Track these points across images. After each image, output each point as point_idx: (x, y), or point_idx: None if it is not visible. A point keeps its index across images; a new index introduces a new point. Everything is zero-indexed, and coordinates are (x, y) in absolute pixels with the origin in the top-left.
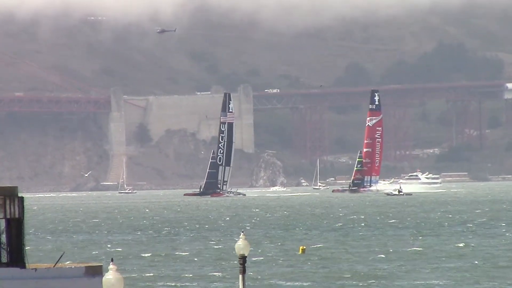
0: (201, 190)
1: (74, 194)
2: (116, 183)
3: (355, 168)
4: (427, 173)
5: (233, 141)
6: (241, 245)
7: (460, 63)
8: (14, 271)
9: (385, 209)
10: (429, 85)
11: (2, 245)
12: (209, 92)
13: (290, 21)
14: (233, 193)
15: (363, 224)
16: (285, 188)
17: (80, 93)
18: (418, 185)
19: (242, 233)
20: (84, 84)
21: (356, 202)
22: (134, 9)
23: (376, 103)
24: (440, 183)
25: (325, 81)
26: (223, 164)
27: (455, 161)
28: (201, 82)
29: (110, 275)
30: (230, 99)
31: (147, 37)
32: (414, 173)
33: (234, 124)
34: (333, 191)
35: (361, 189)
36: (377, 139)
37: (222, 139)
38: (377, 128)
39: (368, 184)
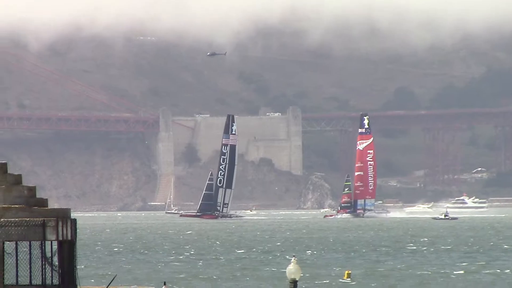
0: (198, 212)
1: (119, 213)
2: (163, 203)
3: (343, 192)
4: (474, 197)
5: (235, 163)
6: (292, 269)
7: (509, 89)
8: None
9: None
10: (478, 109)
11: (53, 267)
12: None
13: (340, 44)
14: (231, 216)
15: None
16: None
17: (128, 112)
18: (464, 209)
19: (293, 258)
20: (132, 104)
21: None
22: (185, 30)
23: (366, 126)
24: (487, 208)
25: (374, 105)
26: (224, 187)
27: (503, 186)
28: (250, 103)
29: None
30: (233, 121)
31: (197, 57)
32: (461, 198)
33: (236, 146)
34: (324, 216)
35: (357, 211)
36: (369, 162)
37: (223, 161)
38: (368, 151)
39: (362, 208)
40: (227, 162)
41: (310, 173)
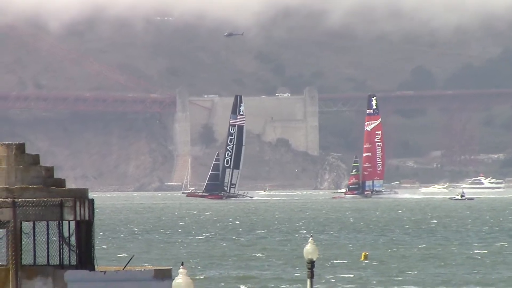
0: (204, 192)
1: (135, 194)
2: (180, 183)
3: (350, 173)
4: (490, 178)
5: (243, 144)
6: (309, 249)
7: None
8: (83, 273)
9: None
10: (495, 90)
11: (71, 247)
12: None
13: (357, 24)
14: (237, 196)
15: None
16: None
17: (145, 93)
18: (481, 190)
19: (310, 238)
20: (149, 84)
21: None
22: (202, 10)
23: (374, 107)
24: (504, 188)
25: (391, 85)
26: (231, 167)
27: None
28: (266, 83)
29: (180, 279)
30: (241, 102)
31: (215, 38)
32: (478, 178)
33: (244, 127)
34: (333, 198)
35: (365, 192)
36: (377, 143)
37: (230, 142)
38: (377, 132)
39: (370, 189)
40: (235, 143)
41: (326, 153)
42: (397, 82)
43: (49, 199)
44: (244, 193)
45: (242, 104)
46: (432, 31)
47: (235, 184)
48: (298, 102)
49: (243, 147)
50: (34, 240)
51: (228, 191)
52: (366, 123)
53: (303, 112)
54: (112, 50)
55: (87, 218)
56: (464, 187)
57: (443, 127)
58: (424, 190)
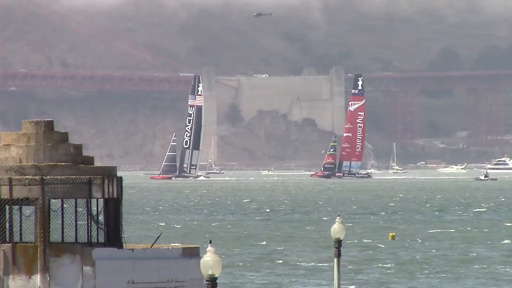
0: (161, 173)
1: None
2: (205, 163)
3: (327, 153)
4: None
5: (202, 124)
6: (336, 228)
7: None
8: (111, 251)
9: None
10: None
11: (99, 225)
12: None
13: (384, 4)
14: (197, 177)
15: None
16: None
17: (172, 72)
18: (505, 170)
19: (338, 217)
20: (176, 63)
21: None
22: None
23: (359, 87)
24: None
25: (418, 65)
26: (191, 148)
27: None
28: (293, 63)
29: (208, 257)
30: (199, 81)
31: (242, 17)
32: (502, 159)
33: (203, 107)
34: (311, 175)
35: (336, 173)
36: (359, 124)
37: (189, 122)
38: (359, 113)
39: (348, 170)
40: (193, 123)
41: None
42: (424, 63)
43: (77, 176)
44: (205, 173)
45: (200, 85)
46: (459, 12)
47: (195, 165)
48: (324, 82)
49: (202, 128)
50: (62, 217)
51: (188, 171)
52: (350, 103)
53: (330, 92)
54: (139, 29)
55: (115, 196)
56: (488, 168)
57: (470, 107)
58: (441, 170)
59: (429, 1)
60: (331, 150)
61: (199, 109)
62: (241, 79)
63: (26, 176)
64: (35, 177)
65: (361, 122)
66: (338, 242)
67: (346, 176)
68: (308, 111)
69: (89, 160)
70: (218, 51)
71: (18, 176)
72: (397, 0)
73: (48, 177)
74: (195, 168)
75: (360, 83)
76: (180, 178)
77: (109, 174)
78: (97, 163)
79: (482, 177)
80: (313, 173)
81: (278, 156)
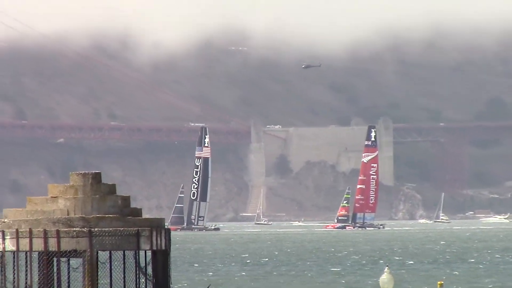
0: (168, 225)
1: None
2: (255, 214)
3: (341, 205)
4: None
5: (209, 176)
6: (385, 279)
7: None
8: None
9: None
10: None
11: (148, 277)
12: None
13: (431, 54)
14: (209, 228)
15: None
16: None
17: (220, 123)
18: None
19: (387, 267)
20: (224, 115)
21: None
22: (276, 41)
23: (372, 139)
24: None
25: (466, 115)
26: (198, 200)
27: None
28: (341, 114)
29: None
30: (206, 133)
31: (288, 68)
32: None
33: (210, 159)
34: (324, 227)
35: (347, 227)
36: (372, 176)
37: (196, 174)
38: (372, 165)
39: (361, 221)
40: (200, 175)
41: (401, 183)
42: (472, 113)
43: (125, 228)
44: (211, 225)
45: (207, 136)
46: (505, 61)
47: (203, 217)
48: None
49: (209, 179)
50: (111, 269)
51: (196, 223)
52: (364, 155)
53: (378, 142)
54: (186, 81)
55: (163, 247)
56: None
57: None
58: (484, 220)
59: (475, 51)
60: (344, 202)
61: (206, 160)
62: (289, 130)
63: (74, 228)
64: (83, 229)
65: (374, 174)
66: None
67: (356, 227)
68: (356, 162)
69: (137, 212)
70: (265, 102)
71: (66, 228)
72: (443, 50)
73: (96, 229)
74: (203, 220)
75: (373, 134)
76: (189, 231)
77: (157, 225)
78: (146, 215)
79: None
80: (327, 224)
81: (327, 207)
